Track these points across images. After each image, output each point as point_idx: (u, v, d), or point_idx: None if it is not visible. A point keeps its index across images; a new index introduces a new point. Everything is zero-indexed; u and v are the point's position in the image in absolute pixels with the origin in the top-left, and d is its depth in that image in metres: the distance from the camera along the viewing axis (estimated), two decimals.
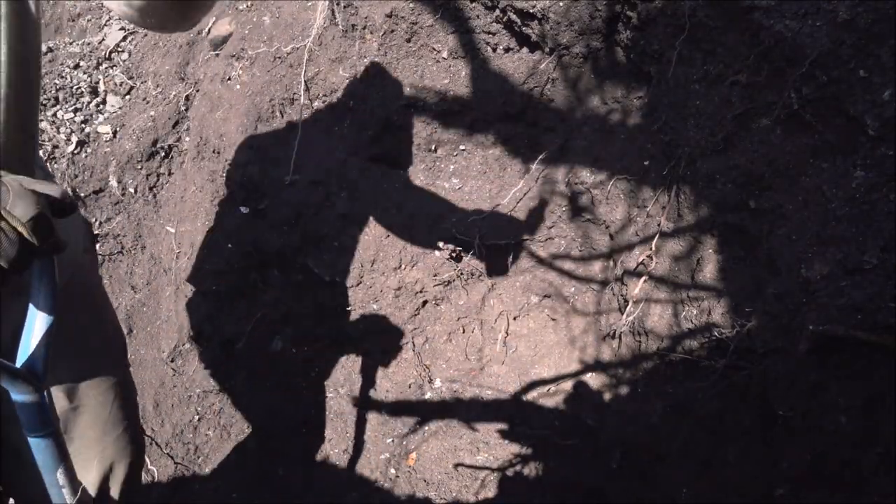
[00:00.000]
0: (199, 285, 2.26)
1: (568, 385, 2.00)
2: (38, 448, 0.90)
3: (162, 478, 2.13)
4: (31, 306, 0.87)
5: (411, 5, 1.97)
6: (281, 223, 2.11)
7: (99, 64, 2.69)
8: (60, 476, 0.93)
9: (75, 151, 2.47)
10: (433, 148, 2.11)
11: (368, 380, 2.10)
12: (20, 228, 0.73)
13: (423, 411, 2.06)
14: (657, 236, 1.74)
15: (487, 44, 2.00)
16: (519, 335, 2.14)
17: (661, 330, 1.74)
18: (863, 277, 1.28)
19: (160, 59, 2.66)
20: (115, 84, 2.67)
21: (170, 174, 2.57)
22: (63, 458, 0.93)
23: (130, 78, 2.68)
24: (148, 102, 2.60)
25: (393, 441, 2.03)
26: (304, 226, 2.10)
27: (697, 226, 1.66)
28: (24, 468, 1.19)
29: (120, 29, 2.80)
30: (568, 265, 2.07)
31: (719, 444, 1.61)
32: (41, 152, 2.38)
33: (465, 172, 2.11)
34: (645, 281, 1.78)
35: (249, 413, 2.21)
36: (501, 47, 2.00)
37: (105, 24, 2.83)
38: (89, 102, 2.59)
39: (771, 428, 1.49)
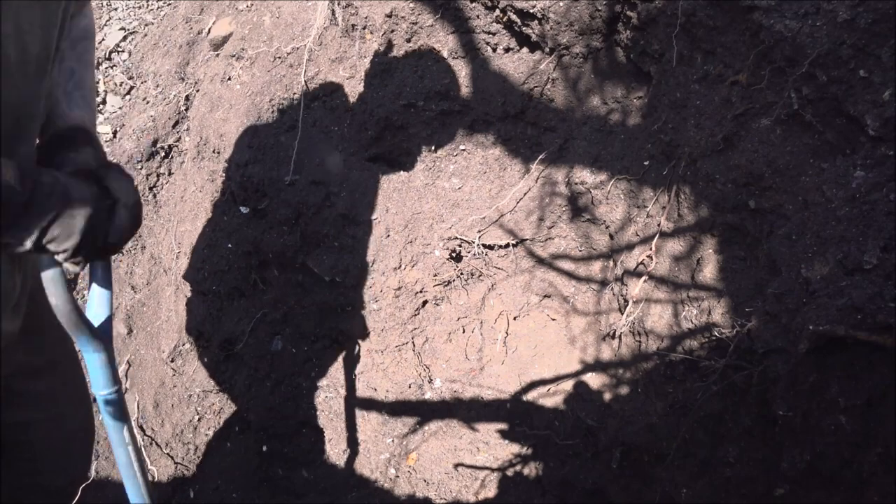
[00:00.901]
0: (199, 285, 2.26)
1: (568, 385, 2.00)
2: (107, 405, 0.98)
3: (162, 478, 2.13)
4: (92, 283, 1.02)
5: (411, 5, 1.98)
6: (281, 223, 2.11)
7: (99, 64, 2.69)
8: (126, 434, 1.02)
9: None
10: (433, 148, 2.11)
11: (368, 380, 2.10)
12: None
13: (423, 411, 2.05)
14: (657, 236, 1.74)
15: (487, 44, 2.00)
16: (519, 335, 2.14)
17: (661, 330, 1.74)
18: (863, 277, 1.28)
19: (160, 59, 2.66)
20: (115, 84, 2.67)
21: (170, 174, 2.57)
22: (127, 417, 1.02)
23: (130, 78, 2.68)
24: (148, 102, 2.60)
25: (393, 441, 2.03)
26: (304, 226, 2.10)
27: (697, 226, 1.66)
28: (15, 462, 1.24)
29: (120, 29, 2.80)
30: (568, 265, 2.07)
31: (719, 444, 1.61)
32: None
33: (465, 172, 2.11)
34: (645, 281, 1.78)
35: (249, 413, 2.21)
36: (501, 47, 2.00)
37: (105, 24, 2.83)
38: None
39: (771, 428, 1.49)
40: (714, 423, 1.63)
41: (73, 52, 1.16)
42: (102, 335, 0.98)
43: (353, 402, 2.11)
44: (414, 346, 2.13)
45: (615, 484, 1.83)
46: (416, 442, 2.03)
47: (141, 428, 2.20)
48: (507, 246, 2.10)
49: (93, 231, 0.89)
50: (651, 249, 1.76)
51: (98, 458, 2.15)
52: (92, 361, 0.97)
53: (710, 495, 1.60)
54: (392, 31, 2.03)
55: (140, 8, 2.90)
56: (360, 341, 2.13)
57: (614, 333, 1.90)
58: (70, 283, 0.95)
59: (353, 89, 2.12)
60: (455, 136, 2.10)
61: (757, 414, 1.52)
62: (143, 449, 2.14)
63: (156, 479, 2.12)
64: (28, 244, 0.83)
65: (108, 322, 1.02)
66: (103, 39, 2.76)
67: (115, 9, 2.89)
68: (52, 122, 1.08)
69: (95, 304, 1.01)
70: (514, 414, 2.02)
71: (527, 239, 2.08)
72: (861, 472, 1.27)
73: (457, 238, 2.07)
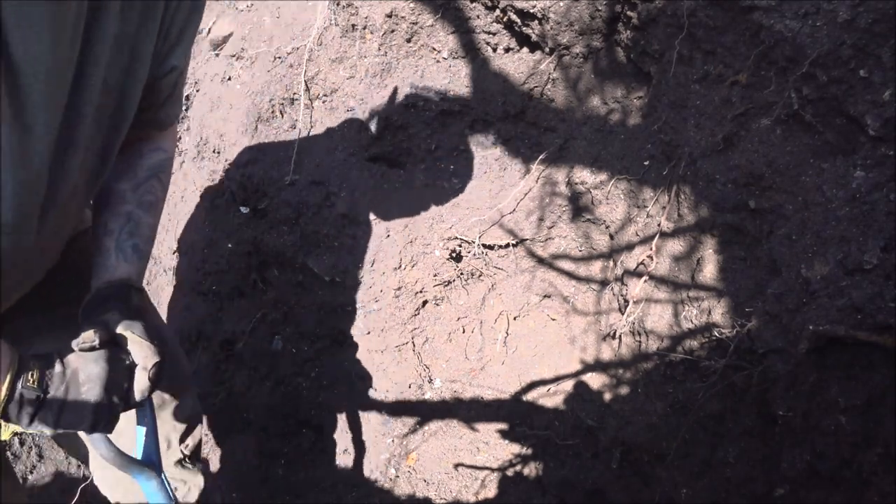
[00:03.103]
0: (199, 285, 2.26)
1: (568, 385, 2.00)
2: None
3: None
4: (137, 425, 1.16)
5: (411, 5, 1.97)
6: (281, 223, 2.11)
7: None
8: None
9: None
10: (433, 148, 2.11)
11: (368, 380, 2.10)
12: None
13: (423, 411, 2.06)
14: (657, 236, 1.74)
15: (487, 44, 2.00)
16: (519, 335, 2.14)
17: (661, 330, 1.74)
18: (863, 277, 1.28)
19: None
20: None
21: None
22: None
23: None
24: None
25: (393, 441, 2.03)
26: (304, 226, 2.10)
27: (697, 226, 1.66)
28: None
29: None
30: (568, 265, 2.07)
31: (719, 444, 1.61)
32: None
33: (465, 172, 2.11)
34: (645, 281, 1.78)
35: (249, 413, 2.21)
36: (501, 47, 2.00)
37: None
38: None
39: (771, 428, 1.49)
40: (714, 423, 1.63)
41: (135, 194, 1.12)
42: (150, 464, 1.12)
43: (353, 402, 2.11)
44: (414, 346, 2.13)
45: (615, 484, 1.83)
46: (416, 442, 2.03)
47: None
48: (507, 246, 2.10)
49: (108, 406, 0.95)
50: (651, 249, 1.76)
51: None
52: (147, 487, 1.12)
53: (710, 495, 1.60)
54: (392, 31, 2.03)
55: None
56: (360, 341, 2.13)
57: (614, 333, 1.90)
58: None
59: (353, 89, 2.12)
60: (455, 136, 2.09)
61: (757, 414, 1.52)
62: None
63: None
64: (48, 432, 0.91)
65: (153, 450, 1.16)
66: None
67: None
68: (99, 274, 1.07)
69: (141, 440, 1.16)
70: (514, 414, 2.02)
71: (527, 239, 2.08)
72: (861, 472, 1.27)
73: (457, 238, 2.07)
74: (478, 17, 1.95)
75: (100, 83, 0.85)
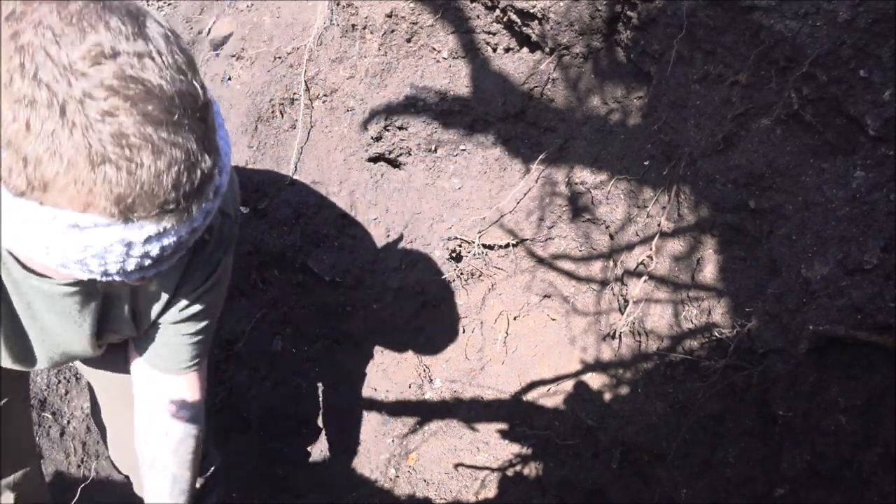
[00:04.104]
0: None
1: (568, 385, 2.00)
2: None
3: None
4: None
5: (411, 5, 1.97)
6: (281, 223, 2.11)
7: None
8: None
9: None
10: (433, 148, 2.11)
11: (368, 380, 2.10)
12: None
13: (423, 411, 2.06)
14: (657, 236, 1.74)
15: (487, 44, 2.00)
16: (519, 335, 2.14)
17: (661, 330, 1.74)
18: (863, 277, 1.28)
19: None
20: None
21: None
22: None
23: None
24: None
25: (393, 441, 2.04)
26: (304, 226, 2.10)
27: (697, 226, 1.66)
28: None
29: None
30: (568, 265, 2.07)
31: (719, 444, 1.61)
32: None
33: (465, 172, 2.11)
34: (645, 281, 1.78)
35: (249, 413, 2.21)
36: (501, 47, 2.00)
37: None
38: None
39: (771, 428, 1.49)
40: (714, 423, 1.63)
41: (176, 456, 1.17)
42: None
43: (353, 402, 2.11)
44: (414, 346, 2.13)
45: (615, 484, 1.83)
46: (416, 442, 2.03)
47: None
48: (507, 246, 2.10)
49: None
50: (651, 249, 1.76)
51: (98, 458, 2.15)
52: None
53: (710, 495, 1.60)
54: (392, 31, 2.03)
55: None
56: (360, 341, 2.13)
57: (614, 333, 1.90)
58: None
59: (353, 89, 2.12)
60: (455, 136, 2.09)
61: (757, 414, 1.53)
62: None
63: None
64: None
65: None
66: None
67: None
68: None
69: None
70: (514, 414, 2.02)
71: (527, 239, 2.09)
72: (861, 472, 1.27)
73: (457, 238, 2.07)
74: (478, 17, 1.95)
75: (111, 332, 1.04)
